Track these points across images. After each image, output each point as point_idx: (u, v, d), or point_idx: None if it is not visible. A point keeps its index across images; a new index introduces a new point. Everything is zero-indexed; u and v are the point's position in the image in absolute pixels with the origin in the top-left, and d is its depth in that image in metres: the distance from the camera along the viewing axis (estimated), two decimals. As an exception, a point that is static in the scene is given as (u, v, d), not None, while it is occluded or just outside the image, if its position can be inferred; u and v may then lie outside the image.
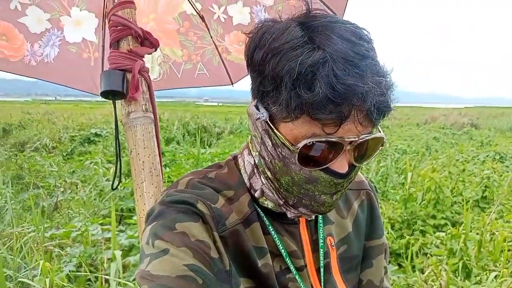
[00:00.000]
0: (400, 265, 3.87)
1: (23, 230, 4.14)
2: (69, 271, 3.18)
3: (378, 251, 0.92)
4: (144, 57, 1.01)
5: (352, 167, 0.69)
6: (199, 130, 12.19)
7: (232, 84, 1.58)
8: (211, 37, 1.51)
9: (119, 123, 1.02)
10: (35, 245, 3.80)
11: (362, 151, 0.69)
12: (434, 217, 4.77)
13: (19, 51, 1.33)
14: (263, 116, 0.69)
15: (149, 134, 0.95)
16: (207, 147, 11.07)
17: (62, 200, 5.85)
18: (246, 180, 0.79)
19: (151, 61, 1.51)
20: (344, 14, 1.26)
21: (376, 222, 0.94)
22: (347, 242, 0.87)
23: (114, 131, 0.99)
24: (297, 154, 0.66)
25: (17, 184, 6.76)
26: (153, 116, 0.99)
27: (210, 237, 0.70)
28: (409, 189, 5.11)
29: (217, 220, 0.72)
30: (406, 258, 3.77)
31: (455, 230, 3.78)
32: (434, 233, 4.37)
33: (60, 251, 3.72)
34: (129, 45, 1.00)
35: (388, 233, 4.39)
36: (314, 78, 0.60)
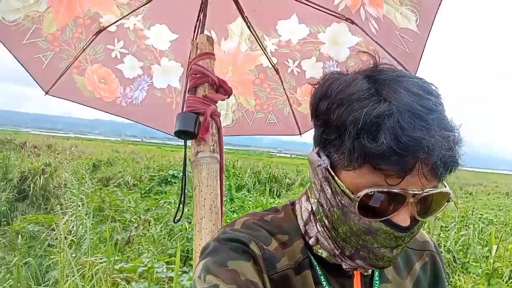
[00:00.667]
0: None
1: (96, 260, 4.37)
2: (132, 304, 3.27)
3: None
4: (217, 102, 1.09)
5: (414, 221, 0.67)
6: (270, 180, 12.26)
7: (300, 134, 1.61)
8: (284, 89, 1.58)
9: (188, 161, 1.09)
10: (105, 276, 3.98)
11: (426, 206, 0.67)
12: (523, 298, 4.20)
13: (113, 93, 1.51)
14: (324, 163, 0.69)
15: (213, 173, 1.01)
16: (276, 197, 11.04)
17: (134, 235, 6.14)
18: (301, 226, 0.79)
19: (226, 108, 1.61)
20: (417, 71, 1.25)
21: (441, 286, 0.87)
22: None
23: (182, 168, 1.06)
24: (357, 203, 0.65)
25: (97, 216, 7.23)
26: (219, 157, 1.05)
27: (259, 278, 0.70)
28: (493, 263, 4.59)
29: (268, 262, 0.72)
30: None
31: (548, 317, 3.28)
32: (523, 317, 3.83)
33: (126, 284, 3.85)
34: (205, 91, 1.09)
35: (467, 311, 3.94)
36: (379, 129, 0.60)
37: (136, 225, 6.74)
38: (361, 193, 0.64)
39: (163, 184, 11.43)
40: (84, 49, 1.41)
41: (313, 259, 0.77)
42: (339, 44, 1.40)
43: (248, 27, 1.44)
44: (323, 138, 0.70)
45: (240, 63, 1.55)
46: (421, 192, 0.63)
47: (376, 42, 1.29)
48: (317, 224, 0.76)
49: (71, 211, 6.55)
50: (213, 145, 1.04)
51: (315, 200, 0.75)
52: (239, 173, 12.94)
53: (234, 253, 0.71)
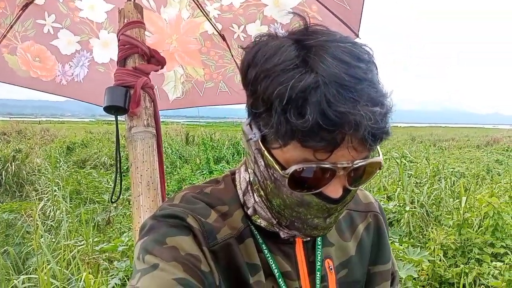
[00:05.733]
0: (452, 296, 3.59)
1: (75, 243, 4.34)
2: (115, 284, 3.27)
3: (383, 277, 0.87)
4: (149, 74, 1.04)
5: (346, 191, 0.66)
6: (248, 150, 12.26)
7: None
8: (232, 56, 1.53)
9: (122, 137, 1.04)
10: (84, 257, 3.96)
11: (358, 175, 0.66)
12: (492, 245, 4.40)
13: (51, 72, 1.43)
14: (254, 137, 0.67)
15: (149, 148, 0.97)
16: (255, 166, 11.07)
17: (115, 215, 6.12)
18: (240, 196, 0.78)
19: (174, 79, 1.55)
20: (359, 27, 1.22)
21: (383, 247, 0.88)
22: (348, 266, 0.82)
23: (115, 145, 1.01)
24: (287, 179, 0.64)
25: (75, 199, 7.15)
26: (155, 131, 1.01)
27: (200, 251, 0.69)
28: (463, 214, 4.76)
29: (208, 234, 0.71)
30: (459, 288, 3.50)
31: (515, 260, 3.46)
32: (492, 262, 4.03)
33: (108, 265, 3.84)
34: (135, 62, 1.03)
35: (440, 260, 4.11)
36: (305, 104, 0.57)
37: (115, 205, 6.69)
38: (290, 170, 0.62)
39: (141, 162, 11.28)
40: (11, 26, 1.32)
41: (253, 228, 0.76)
42: (281, 5, 1.35)
43: (187, -8, 1.37)
44: (252, 111, 0.67)
45: (184, 31, 1.48)
46: (351, 165, 0.62)
47: (317, 1, 1.25)
48: (254, 194, 0.75)
49: (47, 197, 6.44)
50: (147, 119, 1.00)
51: (252, 171, 0.74)
52: (217, 146, 12.91)
53: (172, 229, 0.69)
